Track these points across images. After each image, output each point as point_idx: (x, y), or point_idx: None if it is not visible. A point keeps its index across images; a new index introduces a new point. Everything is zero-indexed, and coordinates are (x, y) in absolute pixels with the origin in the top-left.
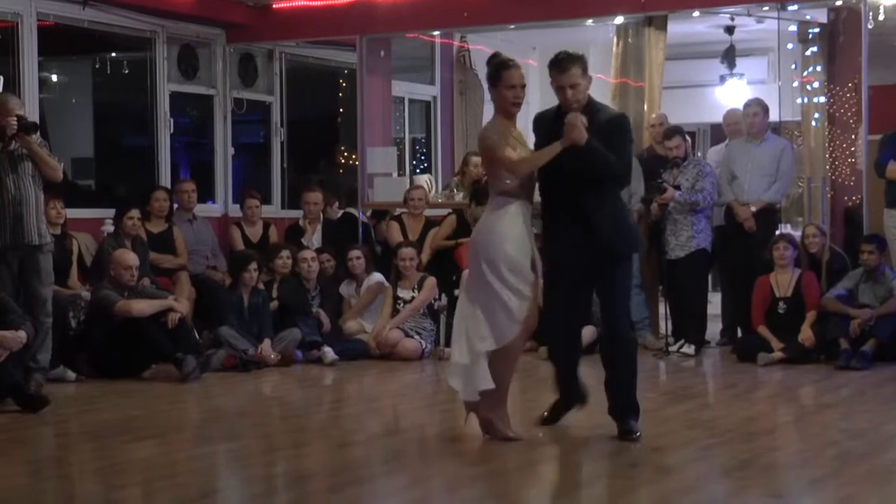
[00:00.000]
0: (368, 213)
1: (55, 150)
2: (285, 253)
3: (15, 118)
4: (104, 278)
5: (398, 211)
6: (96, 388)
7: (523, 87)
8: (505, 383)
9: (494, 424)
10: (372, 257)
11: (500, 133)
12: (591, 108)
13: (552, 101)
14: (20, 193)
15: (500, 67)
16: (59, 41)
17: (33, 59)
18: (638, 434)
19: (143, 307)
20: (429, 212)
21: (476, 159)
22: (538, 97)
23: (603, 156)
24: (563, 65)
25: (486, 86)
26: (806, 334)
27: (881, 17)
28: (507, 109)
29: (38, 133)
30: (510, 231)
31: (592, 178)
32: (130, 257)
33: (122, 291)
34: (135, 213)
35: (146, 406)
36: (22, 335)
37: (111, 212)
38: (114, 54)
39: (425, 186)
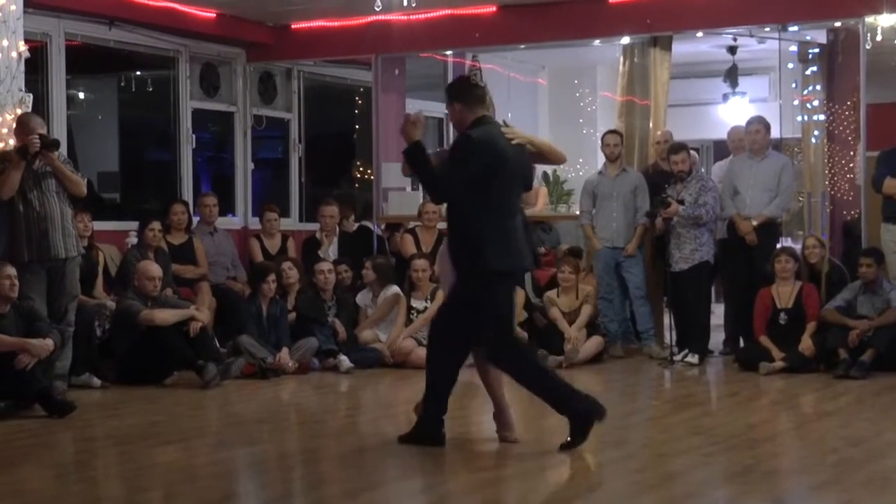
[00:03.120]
0: (383, 226)
1: (82, 165)
2: (286, 265)
3: (37, 137)
4: (128, 288)
5: (412, 224)
6: (120, 395)
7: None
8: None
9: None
10: (388, 270)
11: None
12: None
13: (560, 119)
14: (45, 210)
15: None
16: (86, 60)
17: (61, 78)
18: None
19: (165, 316)
20: (441, 225)
21: None
22: (547, 116)
23: (420, 164)
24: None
25: (496, 103)
26: (806, 344)
27: (878, 38)
28: None
29: (59, 149)
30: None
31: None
32: (154, 268)
33: (146, 301)
34: (156, 224)
35: (168, 412)
36: (49, 343)
37: (135, 224)
38: (138, 73)
39: None
